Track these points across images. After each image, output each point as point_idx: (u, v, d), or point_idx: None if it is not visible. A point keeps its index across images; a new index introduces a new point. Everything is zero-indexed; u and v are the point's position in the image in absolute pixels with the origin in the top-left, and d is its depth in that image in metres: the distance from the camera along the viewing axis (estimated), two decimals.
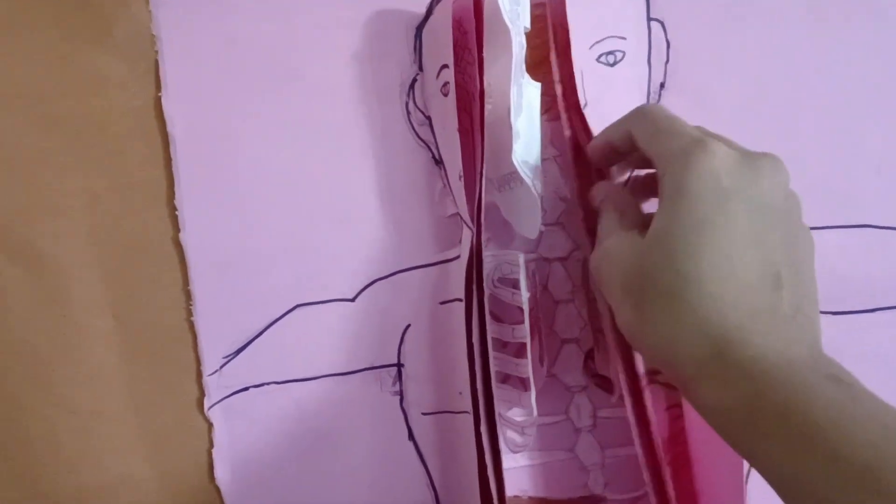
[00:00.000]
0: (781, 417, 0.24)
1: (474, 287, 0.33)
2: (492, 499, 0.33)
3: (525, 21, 0.32)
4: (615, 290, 0.28)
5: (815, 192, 0.36)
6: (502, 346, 0.36)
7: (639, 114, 0.30)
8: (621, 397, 0.34)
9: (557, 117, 0.36)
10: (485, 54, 0.32)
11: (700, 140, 0.27)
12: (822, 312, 0.36)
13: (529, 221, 0.34)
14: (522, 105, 0.32)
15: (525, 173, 0.32)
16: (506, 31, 0.31)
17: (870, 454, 0.22)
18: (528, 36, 0.33)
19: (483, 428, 0.33)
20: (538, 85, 0.33)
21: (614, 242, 0.29)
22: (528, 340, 0.35)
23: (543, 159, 0.34)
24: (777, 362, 0.24)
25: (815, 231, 0.36)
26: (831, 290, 0.36)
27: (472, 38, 0.33)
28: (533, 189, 0.32)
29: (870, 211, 0.37)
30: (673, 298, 0.26)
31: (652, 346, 0.27)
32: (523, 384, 0.36)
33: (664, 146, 0.28)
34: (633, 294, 0.27)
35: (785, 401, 0.24)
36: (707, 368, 0.25)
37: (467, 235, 0.35)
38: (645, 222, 0.29)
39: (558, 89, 0.36)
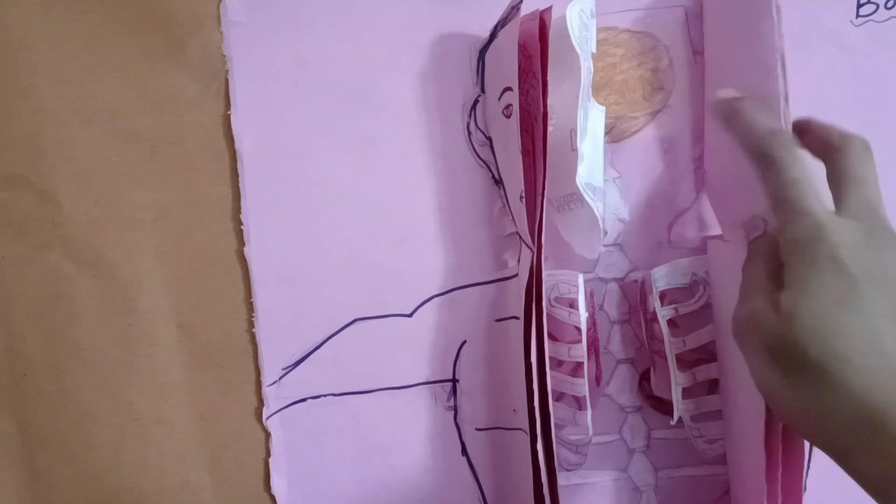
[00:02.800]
0: None
1: (534, 306, 0.34)
2: None
3: (592, 46, 0.33)
4: (759, 354, 0.28)
5: None
6: (557, 364, 0.37)
7: (772, 154, 0.29)
8: (680, 421, 0.34)
9: (619, 138, 0.37)
10: (549, 77, 0.33)
11: (821, 227, 0.27)
12: None
13: (590, 242, 0.35)
14: (588, 128, 0.32)
15: (588, 195, 0.32)
16: (573, 56, 0.31)
17: None
18: (594, 60, 0.33)
19: (539, 446, 0.34)
20: (603, 108, 0.33)
21: (760, 307, 0.29)
22: (584, 360, 0.35)
23: (604, 181, 0.34)
24: None
25: None
26: None
27: (536, 62, 0.34)
28: (595, 211, 0.33)
29: None
30: (824, 373, 0.26)
31: (804, 417, 0.27)
32: (577, 403, 0.36)
33: (788, 227, 0.28)
34: (780, 362, 0.28)
35: None
36: (862, 441, 0.26)
37: (526, 254, 0.36)
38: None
39: None
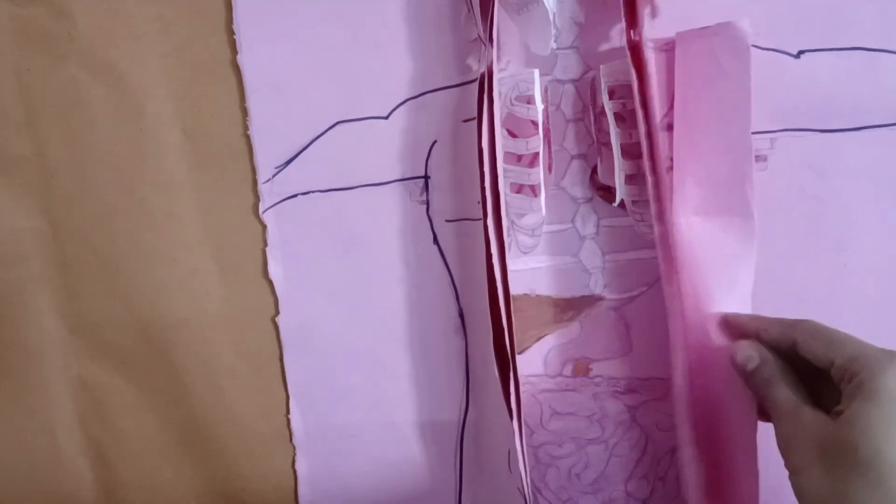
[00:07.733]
0: None
1: (486, 96, 0.37)
2: (497, 287, 0.38)
3: None
4: (806, 456, 0.33)
5: (811, 17, 0.39)
6: (517, 159, 0.41)
7: (809, 327, 0.35)
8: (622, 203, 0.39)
9: None
10: None
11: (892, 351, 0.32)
12: (811, 130, 0.40)
13: (543, 39, 0.38)
14: None
15: None
16: None
17: None
18: None
19: (490, 223, 0.38)
20: None
21: (807, 419, 0.33)
22: (540, 149, 0.39)
23: None
24: None
25: (810, 54, 0.39)
26: (821, 110, 0.39)
27: None
28: (547, 6, 0.36)
29: (862, 34, 0.39)
30: (869, 469, 0.31)
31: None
32: (533, 191, 0.41)
33: (853, 352, 0.33)
34: (827, 461, 0.32)
35: None
36: None
37: (487, 56, 0.39)
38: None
39: None
